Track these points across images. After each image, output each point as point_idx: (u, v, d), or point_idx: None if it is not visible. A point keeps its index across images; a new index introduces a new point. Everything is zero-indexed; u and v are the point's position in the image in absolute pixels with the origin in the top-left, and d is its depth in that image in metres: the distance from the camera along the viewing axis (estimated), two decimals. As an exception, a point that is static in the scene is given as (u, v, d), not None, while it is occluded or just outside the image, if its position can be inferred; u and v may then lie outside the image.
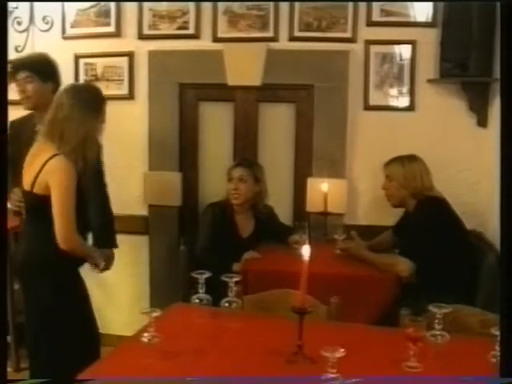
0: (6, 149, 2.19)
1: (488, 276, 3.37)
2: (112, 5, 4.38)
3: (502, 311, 1.81)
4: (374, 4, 4.09)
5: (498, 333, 2.14)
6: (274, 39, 4.22)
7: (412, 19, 4.07)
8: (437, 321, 2.27)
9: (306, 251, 2.12)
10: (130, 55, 4.41)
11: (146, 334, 2.27)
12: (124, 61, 4.42)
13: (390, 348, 2.28)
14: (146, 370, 2.14)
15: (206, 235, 3.95)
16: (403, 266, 3.40)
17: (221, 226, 3.96)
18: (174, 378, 2.08)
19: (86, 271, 3.16)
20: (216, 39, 4.30)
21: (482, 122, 4.00)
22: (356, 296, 3.25)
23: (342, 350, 1.89)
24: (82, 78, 4.47)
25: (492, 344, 2.15)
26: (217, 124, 4.50)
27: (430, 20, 4.03)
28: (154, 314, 2.28)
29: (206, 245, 3.90)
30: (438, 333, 2.27)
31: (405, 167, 3.65)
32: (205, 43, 4.32)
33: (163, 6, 4.33)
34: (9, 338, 3.97)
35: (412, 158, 3.69)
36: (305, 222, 3.88)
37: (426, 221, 3.48)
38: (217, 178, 4.26)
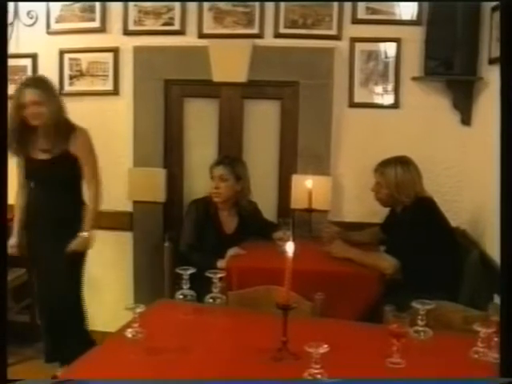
0: (5, 148, 2.19)
1: (471, 273, 3.40)
2: (97, 0, 4.36)
3: (502, 311, 1.81)
4: (360, 2, 4.09)
5: (480, 329, 2.16)
6: (260, 36, 4.22)
7: (397, 17, 4.08)
8: (420, 317, 2.29)
9: (290, 248, 2.12)
10: (115, 51, 4.39)
11: (130, 330, 2.28)
12: (109, 56, 4.40)
13: (374, 344, 2.29)
14: (130, 365, 2.14)
15: (190, 231, 3.94)
16: (387, 263, 3.41)
17: (205, 222, 3.96)
18: (157, 373, 2.07)
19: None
20: (201, 35, 4.28)
21: (466, 120, 4.02)
22: (340, 292, 3.26)
23: (326, 345, 1.90)
24: (66, 73, 4.45)
25: (474, 340, 2.18)
26: (202, 120, 4.49)
27: (415, 18, 4.04)
28: (139, 310, 2.28)
29: (190, 241, 3.90)
30: (421, 329, 2.30)
31: (397, 176, 3.56)
32: (190, 39, 4.30)
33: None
34: None
35: (404, 164, 3.59)
36: (289, 219, 3.88)
37: (417, 221, 3.48)
38: (201, 174, 4.24)
